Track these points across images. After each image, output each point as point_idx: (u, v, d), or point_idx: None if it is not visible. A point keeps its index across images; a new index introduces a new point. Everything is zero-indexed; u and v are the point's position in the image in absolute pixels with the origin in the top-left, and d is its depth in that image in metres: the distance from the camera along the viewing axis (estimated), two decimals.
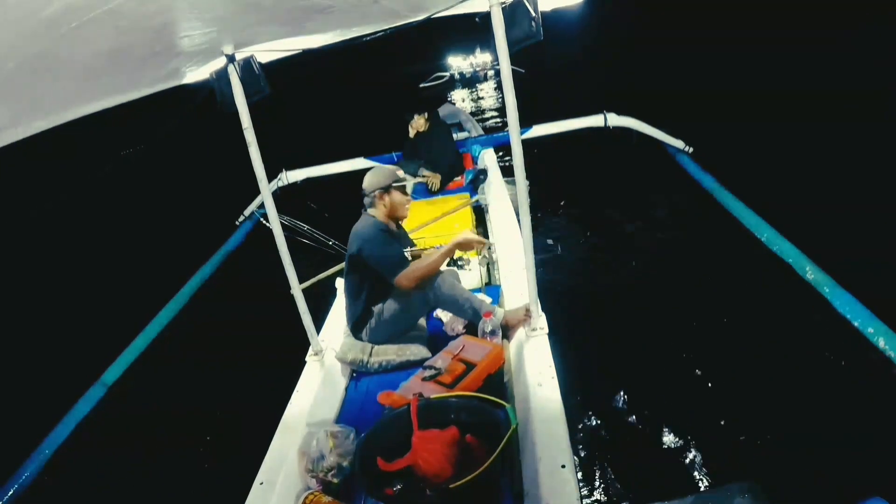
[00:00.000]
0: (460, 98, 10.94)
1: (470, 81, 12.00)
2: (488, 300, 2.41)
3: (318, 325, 2.32)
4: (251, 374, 2.97)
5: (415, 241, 2.51)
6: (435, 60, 13.05)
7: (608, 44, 10.38)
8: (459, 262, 2.25)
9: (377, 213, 2.19)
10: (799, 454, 1.94)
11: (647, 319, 2.84)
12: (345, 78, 13.66)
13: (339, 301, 2.51)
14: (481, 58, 12.56)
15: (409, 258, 2.20)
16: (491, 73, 11.89)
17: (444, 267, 2.49)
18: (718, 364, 2.45)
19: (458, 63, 12.67)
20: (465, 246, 2.16)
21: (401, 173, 2.22)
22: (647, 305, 2.99)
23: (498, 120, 7.93)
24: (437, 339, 2.26)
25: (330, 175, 5.08)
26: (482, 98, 10.64)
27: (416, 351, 2.15)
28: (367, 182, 2.19)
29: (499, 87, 11.43)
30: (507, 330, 2.13)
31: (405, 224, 3.54)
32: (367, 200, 2.20)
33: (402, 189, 2.20)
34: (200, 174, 7.29)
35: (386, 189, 2.16)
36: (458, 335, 2.24)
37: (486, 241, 2.30)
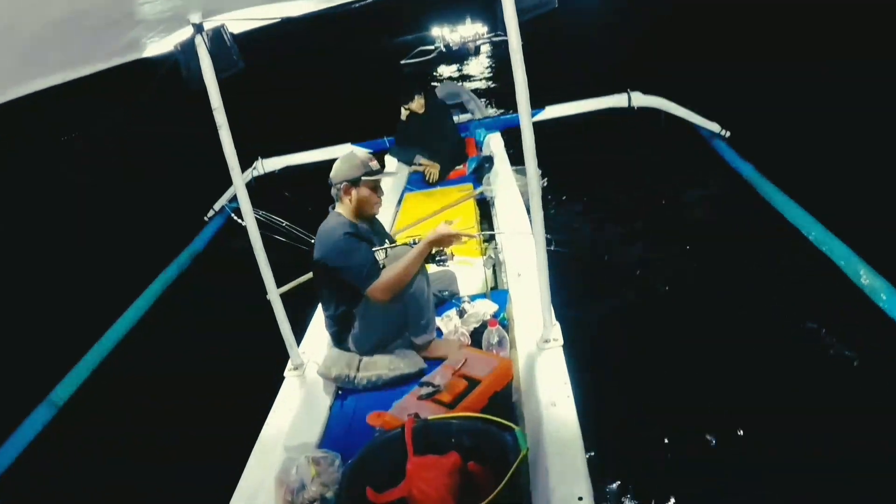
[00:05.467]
0: (447, 75, 10.92)
1: (459, 56, 11.98)
2: (494, 307, 2.41)
3: (299, 335, 2.32)
4: (221, 391, 2.97)
5: (393, 237, 2.51)
6: (419, 31, 13.05)
7: (633, 12, 10.38)
8: (438, 259, 2.26)
9: (343, 209, 2.20)
10: (856, 477, 1.94)
11: (678, 327, 2.84)
12: (328, 52, 13.68)
13: (320, 309, 2.52)
14: (472, 29, 12.51)
15: (383, 260, 2.20)
16: (486, 46, 11.85)
17: (439, 268, 2.50)
18: (758, 381, 2.44)
19: (445, 35, 12.60)
20: (442, 242, 2.15)
21: (375, 164, 2.22)
22: (677, 311, 2.99)
23: (496, 101, 7.94)
24: None
25: (312, 164, 5.09)
26: (472, 75, 10.63)
27: (411, 365, 2.15)
28: (335, 171, 2.19)
29: (493, 60, 11.37)
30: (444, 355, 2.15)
31: (398, 220, 3.58)
32: (333, 192, 2.22)
33: (373, 185, 2.20)
34: (162, 162, 7.30)
35: (354, 182, 2.16)
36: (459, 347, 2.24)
37: (468, 234, 2.28)
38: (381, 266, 2.14)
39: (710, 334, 2.77)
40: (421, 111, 4.25)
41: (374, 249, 2.16)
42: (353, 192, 2.17)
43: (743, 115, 4.76)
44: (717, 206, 4.05)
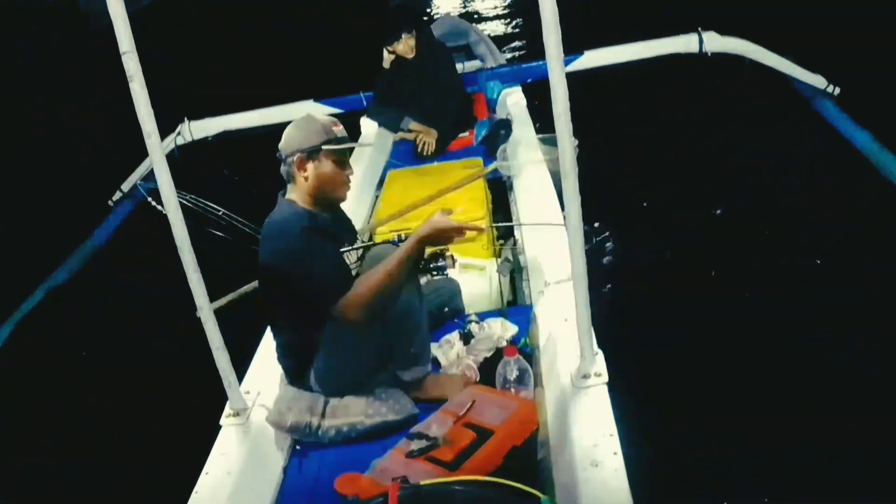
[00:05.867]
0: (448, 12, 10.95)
1: None
2: (512, 329, 2.41)
3: (241, 368, 2.32)
4: (132, 446, 2.97)
5: (369, 233, 2.49)
6: None
7: None
8: (434, 263, 2.24)
9: (297, 193, 2.20)
10: None
11: (771, 352, 2.85)
12: None
13: (271, 332, 2.53)
14: None
15: (355, 265, 2.19)
16: None
17: (436, 277, 2.49)
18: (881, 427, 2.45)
19: None
20: (439, 239, 2.14)
21: (340, 130, 2.22)
22: (769, 329, 2.99)
23: (516, 45, 7.93)
24: None
25: (259, 128, 5.09)
26: (482, 12, 10.63)
27: (397, 409, 2.15)
28: (286, 139, 2.20)
29: None
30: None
31: (378, 209, 3.57)
32: (283, 170, 2.22)
33: (339, 157, 2.20)
34: (52, 125, 7.29)
35: (311, 153, 2.16)
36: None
37: (475, 228, 2.25)
38: (354, 273, 2.13)
39: (816, 359, 2.78)
40: (410, 55, 4.23)
41: (342, 250, 2.16)
42: (310, 166, 2.16)
43: (858, 66, 4.76)
44: (822, 186, 4.05)
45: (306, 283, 2.06)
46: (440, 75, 4.30)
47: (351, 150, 2.27)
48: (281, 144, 2.21)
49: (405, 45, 4.19)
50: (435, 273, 2.32)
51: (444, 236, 2.14)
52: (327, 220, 2.23)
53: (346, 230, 2.35)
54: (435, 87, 4.27)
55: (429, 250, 2.21)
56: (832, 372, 2.72)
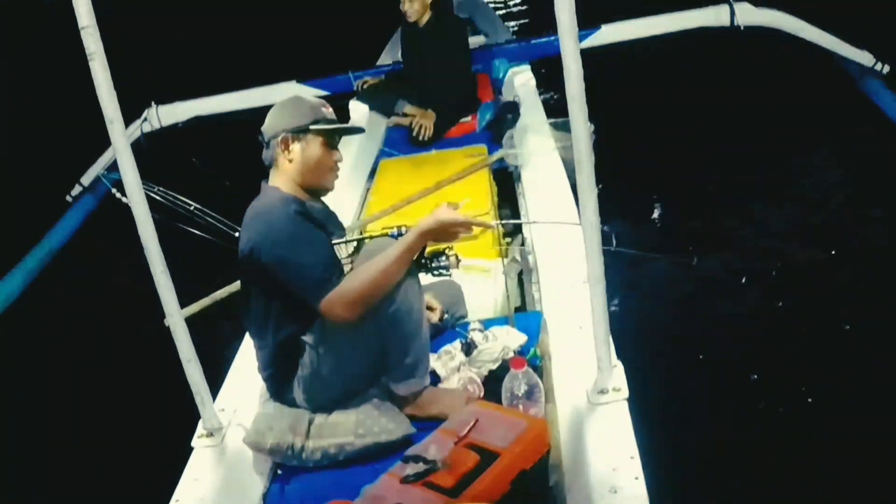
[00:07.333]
0: None
1: None
2: (520, 338, 2.42)
3: (215, 382, 2.33)
4: (93, 470, 2.98)
5: (359, 227, 2.49)
6: None
7: None
8: (436, 263, 2.24)
9: (281, 178, 2.21)
10: None
11: (806, 369, 2.84)
12: None
13: (249, 340, 2.53)
14: None
15: (347, 260, 2.20)
16: None
17: (436, 279, 2.49)
18: None
19: None
20: (442, 235, 2.14)
21: (330, 111, 2.24)
22: (809, 340, 3.00)
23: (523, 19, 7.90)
24: None
25: (234, 113, 5.10)
26: None
27: (391, 428, 2.15)
28: (270, 120, 2.22)
29: None
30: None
31: (370, 201, 3.57)
32: (266, 155, 2.24)
33: (328, 140, 2.21)
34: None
35: (297, 133, 2.17)
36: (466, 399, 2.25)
37: (482, 223, 2.26)
38: (347, 270, 2.14)
39: (855, 377, 2.78)
40: (415, 20, 4.18)
41: (335, 242, 2.16)
42: (296, 147, 2.17)
43: None
44: (869, 177, 4.04)
45: (294, 272, 2.05)
46: (451, 53, 4.25)
47: (342, 133, 2.28)
48: (264, 126, 2.22)
49: (408, 3, 4.13)
50: (437, 273, 2.32)
51: (450, 231, 2.14)
52: (318, 210, 2.24)
53: (334, 225, 2.36)
54: (440, 66, 4.23)
55: (430, 247, 2.21)
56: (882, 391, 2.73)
